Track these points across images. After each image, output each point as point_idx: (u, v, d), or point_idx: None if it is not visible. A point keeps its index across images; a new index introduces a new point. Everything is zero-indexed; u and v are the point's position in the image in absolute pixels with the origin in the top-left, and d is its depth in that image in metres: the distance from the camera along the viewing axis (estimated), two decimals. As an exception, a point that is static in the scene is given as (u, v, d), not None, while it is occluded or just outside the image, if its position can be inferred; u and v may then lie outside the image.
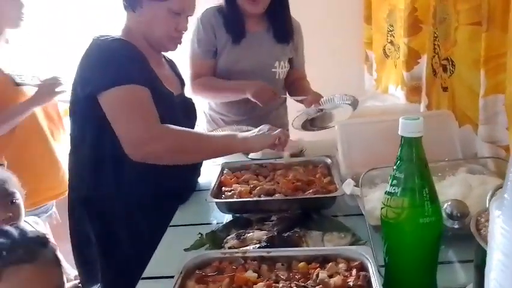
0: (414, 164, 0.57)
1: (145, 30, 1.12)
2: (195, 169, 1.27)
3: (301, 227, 0.91)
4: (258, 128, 1.15)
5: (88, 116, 1.07)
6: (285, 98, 1.75)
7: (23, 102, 1.54)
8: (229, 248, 0.85)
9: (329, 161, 1.21)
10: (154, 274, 0.85)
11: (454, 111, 1.16)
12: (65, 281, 0.84)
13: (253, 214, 1.00)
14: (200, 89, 1.59)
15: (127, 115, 1.02)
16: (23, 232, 0.89)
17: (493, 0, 0.93)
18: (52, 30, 2.24)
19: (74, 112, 1.12)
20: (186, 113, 1.22)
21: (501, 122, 0.99)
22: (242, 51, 1.57)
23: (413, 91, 1.57)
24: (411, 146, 0.57)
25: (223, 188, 1.13)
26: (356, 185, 0.95)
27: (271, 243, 0.83)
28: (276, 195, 1.03)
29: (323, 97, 1.52)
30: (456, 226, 0.78)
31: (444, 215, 0.77)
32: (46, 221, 1.70)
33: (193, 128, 1.28)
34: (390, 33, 1.87)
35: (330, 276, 0.65)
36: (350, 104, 1.43)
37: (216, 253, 0.75)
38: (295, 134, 1.79)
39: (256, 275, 0.67)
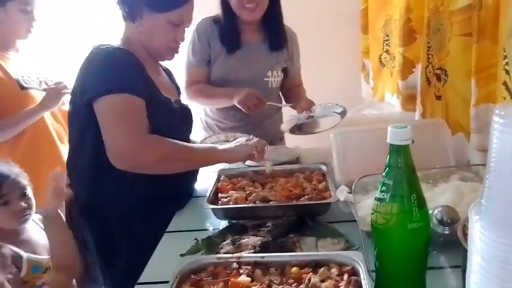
0: (403, 171, 0.59)
1: (144, 40, 1.15)
2: (192, 176, 1.28)
3: (295, 233, 0.92)
4: (236, 140, 1.20)
5: (86, 124, 1.08)
6: (280, 107, 1.77)
7: (32, 107, 1.57)
8: (224, 253, 0.86)
9: (324, 168, 1.23)
10: (150, 279, 0.86)
11: (447, 120, 1.19)
12: None
13: (249, 220, 1.01)
14: (194, 96, 1.62)
15: (115, 124, 1.03)
16: None
17: (483, 13, 0.96)
18: (52, 31, 2.27)
19: (72, 120, 1.14)
20: (184, 119, 1.25)
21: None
22: (236, 61, 1.60)
23: (408, 99, 1.59)
24: (399, 154, 0.59)
25: (219, 194, 1.14)
26: (350, 192, 0.97)
27: (265, 248, 0.84)
28: (271, 202, 1.05)
29: (314, 104, 1.56)
30: (446, 232, 0.79)
31: (434, 220, 0.78)
32: None
33: (189, 133, 1.31)
34: (386, 42, 1.90)
35: (322, 281, 0.66)
36: (339, 113, 1.47)
37: (211, 258, 0.76)
38: (293, 142, 1.81)
39: (249, 279, 0.69)
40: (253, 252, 0.84)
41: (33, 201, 1.24)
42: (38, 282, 1.10)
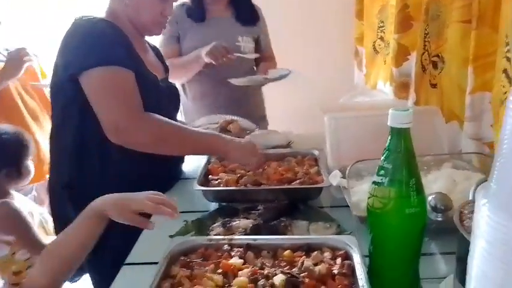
0: (402, 155, 0.58)
1: (131, 13, 1.10)
2: (180, 156, 1.26)
3: (287, 216, 0.91)
4: (244, 140, 1.13)
5: (69, 99, 1.04)
6: (260, 87, 1.86)
7: None
8: (215, 235, 0.85)
9: (316, 152, 1.22)
10: (137, 260, 0.84)
11: (442, 108, 1.18)
12: None
13: (240, 203, 1.00)
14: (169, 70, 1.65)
15: (110, 98, 0.99)
16: None
17: (484, -1, 0.94)
18: (33, 2, 2.17)
19: (55, 95, 1.09)
20: (170, 97, 1.21)
21: (486, 120, 1.01)
22: (206, 32, 1.66)
23: (401, 87, 1.58)
24: (400, 137, 0.58)
25: (209, 176, 1.12)
26: (343, 177, 0.96)
27: (257, 231, 0.83)
28: (263, 185, 1.04)
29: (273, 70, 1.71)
30: (439, 219, 0.79)
31: (428, 207, 0.78)
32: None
33: (176, 112, 1.27)
34: (380, 29, 1.88)
35: (315, 265, 0.65)
36: (284, 76, 1.65)
37: (202, 239, 0.75)
38: (284, 127, 1.80)
39: (241, 261, 0.67)
40: (244, 235, 0.82)
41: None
42: None
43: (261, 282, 0.61)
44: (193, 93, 1.76)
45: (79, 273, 1.19)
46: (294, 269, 0.65)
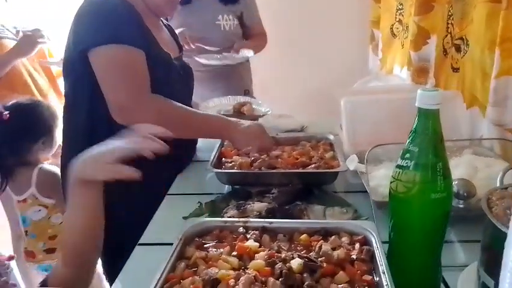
0: (430, 138, 0.55)
1: None
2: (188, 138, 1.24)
3: (302, 200, 0.89)
4: (251, 124, 1.10)
5: (80, 75, 1.02)
6: (248, 62, 1.95)
7: (2, 54, 1.50)
8: (229, 217, 0.83)
9: (331, 137, 1.20)
10: (151, 241, 0.84)
11: (463, 93, 1.14)
12: None
13: (253, 187, 0.98)
14: None
15: (116, 77, 0.98)
16: None
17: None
18: None
19: (66, 72, 1.08)
20: (184, 76, 1.18)
21: (510, 105, 0.97)
22: (187, 16, 1.73)
23: (420, 72, 1.53)
24: (428, 119, 0.55)
25: (223, 159, 1.11)
26: (360, 162, 0.93)
27: (272, 215, 0.82)
28: (277, 169, 1.02)
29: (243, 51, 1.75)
30: (461, 206, 0.77)
31: (450, 194, 0.75)
32: None
33: (191, 90, 1.25)
34: (399, 11, 1.82)
35: (333, 249, 0.64)
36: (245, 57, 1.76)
37: (217, 221, 0.73)
38: (297, 111, 1.77)
39: (257, 244, 0.66)
40: (259, 218, 0.81)
41: None
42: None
43: (278, 265, 0.59)
44: None
45: None
46: (311, 253, 0.64)
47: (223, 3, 1.79)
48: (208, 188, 1.06)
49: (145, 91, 0.99)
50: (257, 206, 0.87)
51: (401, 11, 1.79)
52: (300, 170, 1.00)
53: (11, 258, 0.94)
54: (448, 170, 0.57)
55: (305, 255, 0.62)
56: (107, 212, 1.09)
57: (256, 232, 0.69)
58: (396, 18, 1.85)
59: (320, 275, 0.59)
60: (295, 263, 0.60)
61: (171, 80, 1.10)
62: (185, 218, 0.87)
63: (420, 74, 1.54)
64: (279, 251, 0.64)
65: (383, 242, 0.65)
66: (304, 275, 0.59)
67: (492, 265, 0.54)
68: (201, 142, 1.32)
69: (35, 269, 1.48)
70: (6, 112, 1.35)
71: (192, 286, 0.57)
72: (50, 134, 1.49)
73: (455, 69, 1.22)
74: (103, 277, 1.27)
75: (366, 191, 0.87)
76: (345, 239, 0.67)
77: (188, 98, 1.24)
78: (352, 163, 0.93)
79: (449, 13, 1.23)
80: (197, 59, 1.67)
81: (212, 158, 1.08)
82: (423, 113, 0.55)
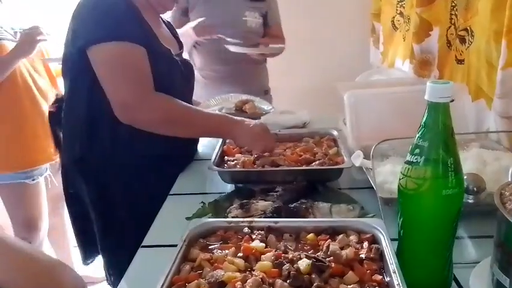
0: (440, 132, 0.53)
1: None
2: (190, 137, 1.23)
3: (307, 198, 0.88)
4: (254, 123, 1.08)
5: (80, 73, 1.01)
6: (266, 62, 1.90)
7: (3, 56, 1.48)
8: (233, 217, 0.82)
9: (335, 133, 1.18)
10: (154, 242, 0.82)
11: (468, 85, 1.12)
12: None
13: (257, 185, 0.97)
14: None
15: (118, 75, 0.96)
16: None
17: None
18: None
19: (66, 69, 1.06)
20: (185, 73, 1.17)
21: (518, 97, 0.95)
22: (213, 7, 1.68)
23: (422, 65, 1.51)
24: (438, 113, 0.53)
25: (225, 157, 1.09)
26: (365, 158, 0.92)
27: (277, 213, 0.80)
28: (281, 166, 1.00)
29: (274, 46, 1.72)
30: (470, 201, 0.75)
31: (460, 189, 0.74)
32: (42, 183, 1.68)
33: (192, 86, 1.24)
34: (400, 3, 1.79)
35: (341, 248, 0.62)
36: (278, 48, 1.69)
37: (221, 222, 0.71)
38: (298, 107, 1.75)
39: (263, 245, 0.64)
40: (264, 217, 0.79)
41: None
42: None
43: (286, 266, 0.58)
44: (197, 64, 1.80)
45: (93, 255, 1.19)
46: (319, 253, 0.62)
47: None
48: (211, 187, 1.04)
49: (149, 89, 0.98)
50: (261, 204, 0.85)
51: (402, 3, 1.77)
52: (304, 167, 0.99)
53: None
54: (459, 165, 0.55)
55: (313, 255, 0.60)
56: (108, 212, 1.08)
57: (262, 232, 0.67)
58: (397, 10, 1.83)
59: (329, 275, 0.58)
60: (303, 263, 0.58)
61: (173, 76, 1.08)
62: (188, 218, 0.85)
63: (423, 67, 1.52)
64: (285, 252, 0.62)
65: (391, 240, 0.64)
66: (313, 275, 0.57)
67: (506, 262, 0.52)
68: (203, 140, 1.30)
69: None
70: None
71: (197, 289, 0.56)
72: None
73: (460, 61, 1.20)
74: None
75: (371, 187, 0.85)
76: (353, 238, 0.66)
77: (190, 94, 1.22)
78: (357, 159, 0.91)
79: (453, 4, 1.20)
80: (230, 47, 1.62)
81: (214, 156, 1.07)
82: (433, 107, 0.53)
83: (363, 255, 0.61)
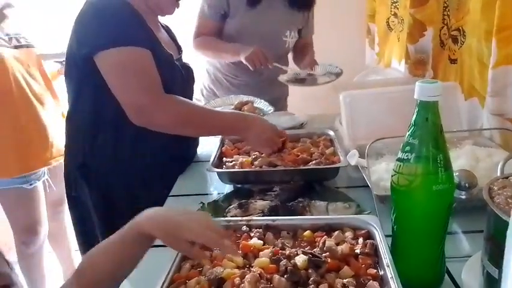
0: (430, 130, 0.55)
1: None
2: (194, 138, 1.25)
3: (304, 197, 0.90)
4: (267, 124, 1.09)
5: (84, 78, 1.02)
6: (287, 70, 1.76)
7: None
8: (232, 217, 0.83)
9: (331, 133, 1.20)
10: (155, 242, 0.84)
11: (461, 84, 1.14)
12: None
13: (255, 185, 0.99)
14: (200, 46, 1.63)
15: (130, 80, 0.98)
16: None
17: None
18: None
19: (69, 74, 1.08)
20: (186, 77, 1.19)
21: (510, 94, 0.97)
22: (255, 16, 1.57)
23: (417, 64, 1.54)
24: (427, 111, 0.55)
25: (224, 158, 1.11)
26: (361, 156, 0.93)
27: (275, 212, 0.82)
28: (278, 166, 1.02)
29: (317, 64, 1.62)
30: (463, 196, 0.77)
31: (452, 185, 0.76)
32: (40, 188, 1.69)
33: (192, 90, 1.26)
34: (394, 4, 1.82)
35: (337, 244, 0.64)
36: (335, 74, 1.55)
37: (220, 221, 0.73)
38: (297, 109, 1.77)
39: (261, 242, 0.66)
40: (262, 216, 0.81)
41: None
42: None
43: (283, 262, 0.60)
44: (221, 66, 1.72)
45: None
46: (315, 249, 0.64)
47: (291, 7, 1.62)
48: (210, 188, 1.06)
49: (161, 91, 1.00)
50: (259, 204, 0.87)
51: (396, 4, 1.79)
52: (301, 167, 1.01)
53: None
54: (448, 161, 0.57)
55: (309, 251, 0.62)
56: (110, 215, 1.10)
57: (260, 230, 0.69)
58: (391, 11, 1.85)
59: (325, 270, 0.60)
60: (300, 259, 0.60)
61: (174, 79, 1.10)
62: (188, 218, 0.87)
63: (418, 67, 1.54)
64: (283, 248, 0.64)
65: (386, 236, 0.66)
66: (309, 270, 0.59)
67: (496, 254, 0.54)
68: (202, 142, 1.32)
69: None
70: None
71: (197, 286, 0.58)
72: None
73: (453, 61, 1.22)
74: None
75: (367, 186, 0.87)
76: (348, 234, 0.68)
77: (190, 98, 1.24)
78: (353, 158, 0.93)
79: (445, 4, 1.23)
80: (283, 80, 1.54)
81: (213, 157, 1.08)
82: (422, 105, 0.55)
83: (358, 251, 0.63)
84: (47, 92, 1.69)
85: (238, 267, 0.62)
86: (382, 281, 0.58)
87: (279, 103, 1.70)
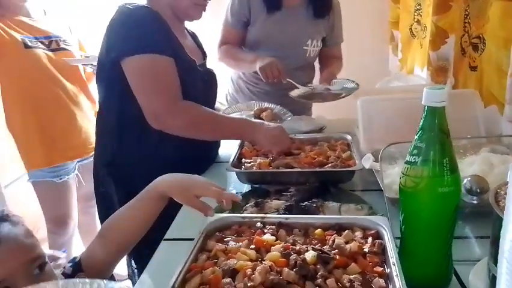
0: (436, 134, 0.58)
1: None
2: (216, 140, 1.30)
3: (318, 198, 0.92)
4: (273, 125, 1.15)
5: (112, 81, 1.10)
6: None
7: None
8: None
9: (349, 137, 1.22)
10: (175, 236, 0.89)
11: (481, 91, 1.14)
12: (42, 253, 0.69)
13: (272, 185, 1.02)
14: (222, 56, 1.65)
15: (149, 87, 1.05)
16: None
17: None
18: None
19: (100, 77, 1.16)
20: (208, 83, 1.24)
21: (529, 103, 0.97)
22: (275, 24, 1.56)
23: (439, 71, 1.54)
24: (434, 116, 0.57)
25: (243, 159, 1.15)
26: (375, 161, 0.96)
27: (289, 211, 0.85)
28: (295, 168, 1.05)
29: (335, 78, 1.58)
30: (474, 202, 0.78)
31: (463, 190, 0.77)
32: (71, 183, 1.78)
33: (215, 95, 1.31)
34: (417, 11, 1.82)
35: (346, 243, 0.67)
36: (350, 88, 1.48)
37: (236, 217, 0.77)
38: (316, 112, 1.80)
39: (274, 238, 0.69)
40: (277, 215, 0.84)
41: None
42: None
43: (293, 257, 0.63)
44: (243, 75, 1.73)
45: None
46: (325, 247, 0.67)
47: (313, 15, 1.59)
48: (229, 187, 1.10)
49: (178, 99, 1.07)
50: (275, 203, 0.91)
51: (419, 11, 1.80)
52: (318, 169, 1.03)
53: None
54: (455, 164, 0.59)
55: (319, 247, 0.65)
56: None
57: (273, 227, 0.73)
58: (414, 18, 1.85)
59: (333, 266, 0.62)
60: (309, 254, 0.63)
61: (196, 85, 1.16)
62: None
63: (440, 74, 1.55)
64: (294, 244, 0.67)
65: (397, 238, 0.68)
66: (318, 266, 0.62)
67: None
68: (223, 144, 1.37)
69: None
70: None
71: (212, 275, 0.62)
72: None
73: (473, 68, 1.22)
74: None
75: (381, 189, 0.88)
76: (358, 233, 0.70)
77: (212, 102, 1.30)
78: (367, 161, 0.95)
79: (466, 12, 1.23)
80: (293, 93, 1.50)
81: (232, 158, 1.13)
82: (429, 111, 0.58)
83: (366, 249, 0.65)
84: (81, 93, 1.78)
85: (250, 260, 0.65)
86: (388, 278, 0.60)
87: (303, 113, 1.68)
